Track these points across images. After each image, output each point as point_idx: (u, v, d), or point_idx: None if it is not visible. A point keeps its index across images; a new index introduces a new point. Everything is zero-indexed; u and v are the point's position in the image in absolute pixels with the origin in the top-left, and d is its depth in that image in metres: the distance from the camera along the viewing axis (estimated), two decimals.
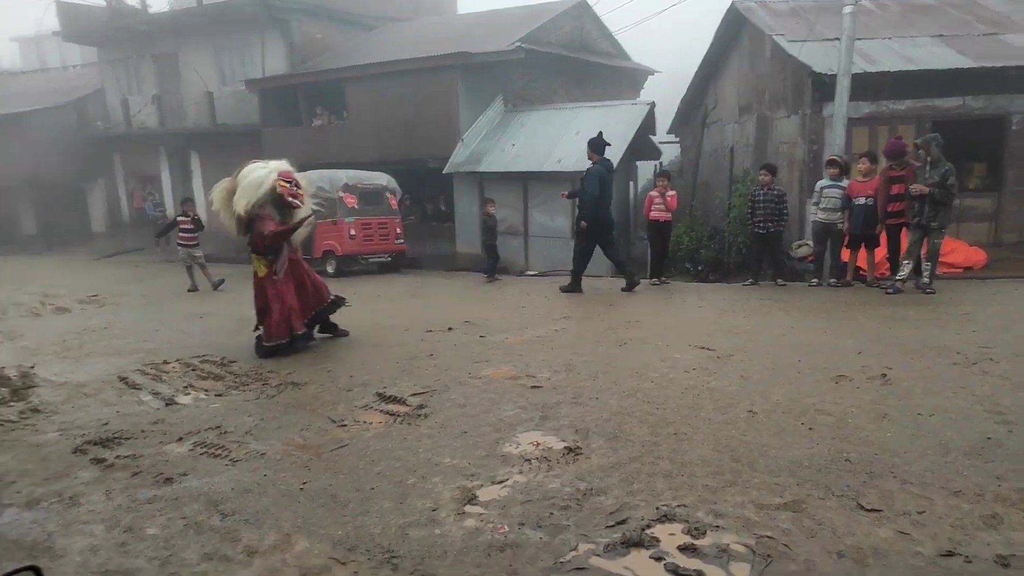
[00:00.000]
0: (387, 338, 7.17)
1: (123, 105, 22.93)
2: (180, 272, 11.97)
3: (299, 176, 6.69)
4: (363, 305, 9.63)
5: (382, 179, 14.75)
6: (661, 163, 16.74)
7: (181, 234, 11.88)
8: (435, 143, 15.82)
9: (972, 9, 13.62)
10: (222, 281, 11.66)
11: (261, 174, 6.39)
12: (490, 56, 15.76)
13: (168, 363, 6.26)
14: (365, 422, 4.54)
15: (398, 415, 4.63)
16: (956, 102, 10.80)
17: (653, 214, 10.39)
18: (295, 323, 6.56)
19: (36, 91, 25.33)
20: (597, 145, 9.76)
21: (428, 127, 16.00)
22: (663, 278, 10.59)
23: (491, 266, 12.29)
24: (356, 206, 13.90)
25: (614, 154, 13.61)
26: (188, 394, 5.30)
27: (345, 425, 4.49)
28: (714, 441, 3.89)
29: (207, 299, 10.86)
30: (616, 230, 10.28)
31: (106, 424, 4.65)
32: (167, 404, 5.06)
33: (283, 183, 6.35)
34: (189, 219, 11.90)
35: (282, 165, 6.59)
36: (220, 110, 20.89)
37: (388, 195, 14.68)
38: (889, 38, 12.24)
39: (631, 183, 17.35)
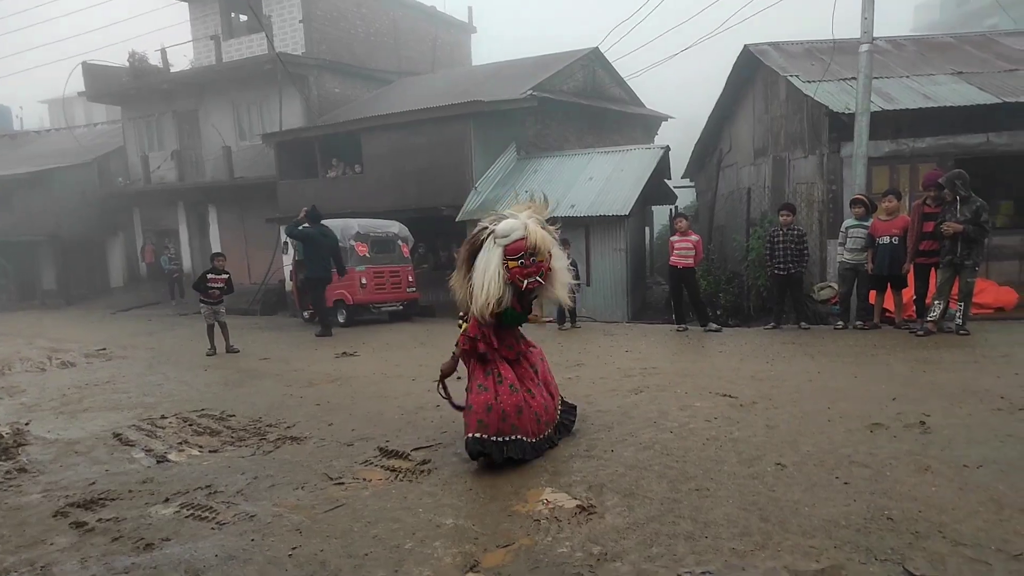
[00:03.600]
0: (394, 389, 6.90)
1: (143, 161, 23.29)
2: (192, 324, 11.75)
3: (537, 234, 4.44)
4: (371, 355, 9.41)
5: (394, 227, 14.64)
6: (676, 207, 16.57)
7: (209, 290, 10.65)
8: (449, 191, 15.77)
9: (991, 47, 13.47)
10: (238, 351, 10.50)
11: (484, 264, 4.49)
12: (503, 104, 15.81)
13: (165, 418, 6.03)
14: (364, 479, 4.25)
15: (400, 471, 4.34)
16: (979, 139, 10.54)
17: (673, 259, 10.05)
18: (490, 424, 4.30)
19: (61, 150, 25.84)
20: (312, 216, 12.22)
21: (442, 176, 15.98)
22: (713, 324, 10.00)
23: (559, 313, 11.12)
24: (368, 255, 13.76)
25: (628, 198, 13.55)
26: (182, 451, 5.04)
27: (343, 483, 4.20)
28: (740, 498, 3.56)
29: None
30: (326, 283, 12.50)
31: (93, 484, 4.41)
32: (159, 462, 4.81)
33: (512, 263, 4.41)
34: (221, 278, 10.77)
35: (509, 234, 4.43)
36: (238, 164, 21.12)
37: (400, 243, 14.55)
38: (907, 76, 12.07)
39: (646, 228, 17.16)
